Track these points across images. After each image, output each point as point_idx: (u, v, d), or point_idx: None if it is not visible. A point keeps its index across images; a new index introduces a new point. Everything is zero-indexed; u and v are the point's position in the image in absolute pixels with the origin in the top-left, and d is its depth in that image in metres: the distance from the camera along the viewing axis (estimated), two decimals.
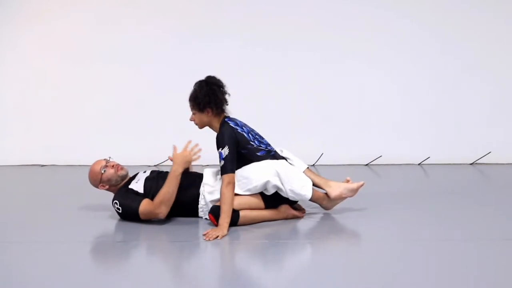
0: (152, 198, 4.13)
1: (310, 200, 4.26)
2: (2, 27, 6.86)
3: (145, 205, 4.08)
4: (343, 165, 6.78)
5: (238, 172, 4.09)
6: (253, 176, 4.06)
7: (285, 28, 6.73)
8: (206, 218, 4.18)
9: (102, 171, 4.25)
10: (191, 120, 4.24)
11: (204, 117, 4.18)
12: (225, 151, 4.02)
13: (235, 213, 3.99)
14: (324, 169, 6.40)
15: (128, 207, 4.12)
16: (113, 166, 4.28)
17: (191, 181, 4.23)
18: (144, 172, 4.40)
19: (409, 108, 6.82)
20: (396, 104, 6.81)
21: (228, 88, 4.23)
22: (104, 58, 6.82)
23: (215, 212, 4.00)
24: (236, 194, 4.04)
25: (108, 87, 6.86)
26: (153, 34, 6.79)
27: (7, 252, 3.64)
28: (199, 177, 4.27)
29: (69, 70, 6.86)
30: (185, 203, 4.19)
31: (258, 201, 4.13)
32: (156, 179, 4.25)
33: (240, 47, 6.75)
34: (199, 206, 4.20)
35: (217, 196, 4.10)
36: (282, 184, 4.08)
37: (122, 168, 4.31)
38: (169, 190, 4.07)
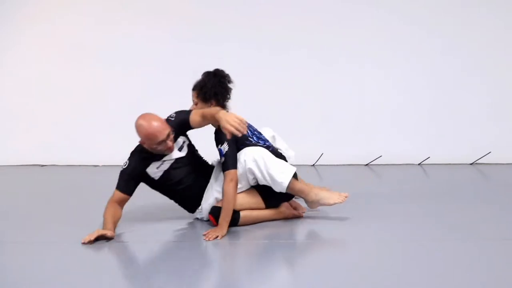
0: (164, 188, 4.10)
1: (291, 192, 4.06)
2: (2, 27, 6.87)
3: None
4: (343, 165, 6.78)
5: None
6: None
7: (285, 28, 6.74)
8: (204, 219, 4.17)
9: (160, 140, 3.89)
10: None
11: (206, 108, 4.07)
12: (225, 147, 3.94)
13: (235, 214, 3.98)
14: (324, 169, 6.40)
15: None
16: (169, 146, 3.96)
17: (199, 177, 4.14)
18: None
19: (409, 108, 6.82)
20: (396, 104, 6.82)
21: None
22: (104, 58, 6.83)
23: (215, 212, 3.99)
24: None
25: (108, 87, 6.87)
26: (153, 34, 6.80)
27: (7, 252, 3.64)
28: (208, 174, 4.16)
29: (69, 70, 6.87)
30: (187, 197, 4.13)
31: (258, 201, 4.11)
32: (180, 168, 4.07)
33: (240, 47, 6.75)
34: (199, 208, 4.16)
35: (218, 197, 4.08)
36: (259, 169, 3.91)
37: (171, 150, 4.02)
38: None
